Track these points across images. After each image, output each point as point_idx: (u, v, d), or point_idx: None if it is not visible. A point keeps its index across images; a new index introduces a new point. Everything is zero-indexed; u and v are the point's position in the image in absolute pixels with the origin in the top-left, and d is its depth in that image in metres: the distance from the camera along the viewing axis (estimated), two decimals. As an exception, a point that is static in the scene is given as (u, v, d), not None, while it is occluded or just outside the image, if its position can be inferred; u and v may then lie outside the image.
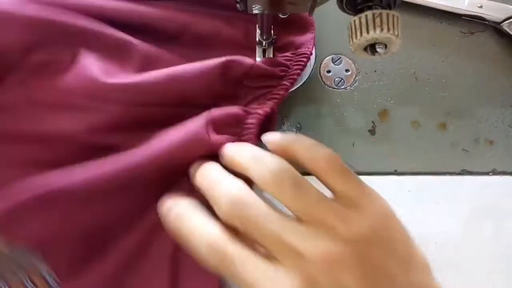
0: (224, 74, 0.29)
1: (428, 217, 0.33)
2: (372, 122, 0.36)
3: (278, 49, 0.34)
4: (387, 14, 0.21)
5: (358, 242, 0.21)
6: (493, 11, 0.37)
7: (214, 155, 0.26)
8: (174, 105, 0.28)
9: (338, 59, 0.37)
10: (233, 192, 0.23)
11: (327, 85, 0.36)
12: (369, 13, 0.22)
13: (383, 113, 0.36)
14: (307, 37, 0.34)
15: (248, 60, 0.30)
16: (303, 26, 0.34)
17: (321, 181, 0.24)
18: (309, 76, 0.36)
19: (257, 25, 0.32)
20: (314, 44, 0.34)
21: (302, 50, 0.33)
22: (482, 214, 0.34)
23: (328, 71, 0.37)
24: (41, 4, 0.28)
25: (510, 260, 0.33)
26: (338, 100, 0.36)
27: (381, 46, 0.22)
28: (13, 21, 0.26)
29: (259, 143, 0.27)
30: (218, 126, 0.27)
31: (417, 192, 0.34)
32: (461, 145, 0.36)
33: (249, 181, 0.24)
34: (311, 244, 0.20)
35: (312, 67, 0.36)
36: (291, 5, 0.26)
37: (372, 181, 0.34)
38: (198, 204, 0.24)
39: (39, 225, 0.24)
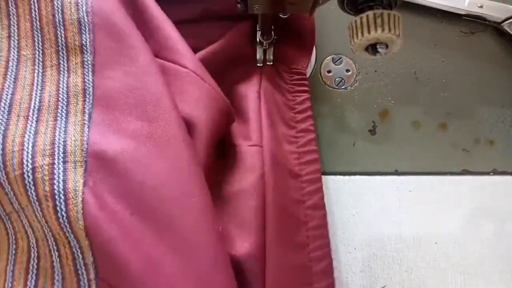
0: None
1: (429, 217, 0.33)
2: (373, 122, 0.36)
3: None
4: (388, 14, 0.21)
5: None
6: (494, 11, 0.37)
7: None
8: None
9: (339, 59, 0.37)
10: None
11: (327, 85, 0.36)
12: (370, 13, 0.22)
13: (384, 113, 0.36)
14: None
15: None
16: (302, 41, 0.35)
17: None
18: (309, 76, 0.36)
19: (257, 25, 0.32)
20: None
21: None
22: (482, 214, 0.34)
23: (329, 71, 0.37)
24: None
25: (510, 260, 0.33)
26: (339, 100, 0.36)
27: (382, 46, 0.22)
28: None
29: None
30: None
31: (417, 192, 0.34)
32: (461, 145, 0.36)
33: None
34: None
35: (312, 67, 0.36)
36: (292, 5, 0.26)
37: (372, 181, 0.34)
38: None
39: None
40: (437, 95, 0.37)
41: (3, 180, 0.23)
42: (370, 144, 0.35)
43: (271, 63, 0.34)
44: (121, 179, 0.24)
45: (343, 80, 0.37)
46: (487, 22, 0.38)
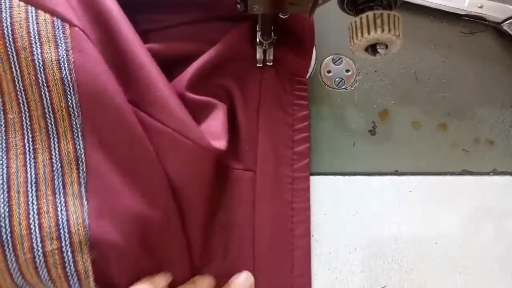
0: None
1: (429, 217, 0.34)
2: (373, 122, 0.36)
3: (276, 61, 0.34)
4: (388, 15, 0.21)
5: None
6: (494, 11, 0.37)
7: None
8: None
9: (339, 59, 0.37)
10: None
11: (327, 85, 0.36)
12: (370, 13, 0.22)
13: (384, 113, 0.36)
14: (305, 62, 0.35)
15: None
16: (301, 44, 0.34)
17: None
18: (309, 76, 0.36)
19: (257, 26, 0.32)
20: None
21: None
22: (482, 214, 0.34)
23: (329, 71, 0.37)
24: None
25: (510, 260, 0.33)
26: (339, 100, 0.36)
27: (382, 47, 0.23)
28: None
29: None
30: None
31: (417, 192, 0.34)
32: (461, 146, 0.36)
33: None
34: None
35: (312, 67, 0.36)
36: (292, 5, 0.26)
37: (372, 181, 0.34)
38: None
39: None
40: (437, 95, 0.37)
41: (11, 261, 0.24)
42: (370, 144, 0.35)
43: (271, 63, 0.34)
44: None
45: (343, 80, 0.37)
46: (487, 22, 0.38)
